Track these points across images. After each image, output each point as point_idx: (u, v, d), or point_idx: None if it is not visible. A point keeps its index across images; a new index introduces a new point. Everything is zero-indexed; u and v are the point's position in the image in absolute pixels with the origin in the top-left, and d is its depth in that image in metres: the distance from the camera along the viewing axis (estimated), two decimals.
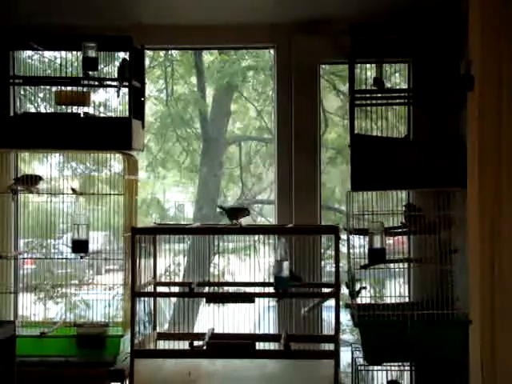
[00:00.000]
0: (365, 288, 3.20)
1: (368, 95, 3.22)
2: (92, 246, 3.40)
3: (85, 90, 3.38)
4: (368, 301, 3.26)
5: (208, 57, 5.79)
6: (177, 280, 4.41)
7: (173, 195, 6.21)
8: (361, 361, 3.20)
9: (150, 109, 5.75)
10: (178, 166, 5.93)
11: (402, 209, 3.26)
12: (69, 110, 3.39)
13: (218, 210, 3.43)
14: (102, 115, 3.62)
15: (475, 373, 2.96)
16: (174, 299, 4.41)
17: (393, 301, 3.33)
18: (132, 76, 3.29)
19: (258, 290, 3.31)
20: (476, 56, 2.93)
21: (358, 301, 3.19)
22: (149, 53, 5.23)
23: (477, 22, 2.92)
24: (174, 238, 3.56)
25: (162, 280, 3.70)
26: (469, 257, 2.99)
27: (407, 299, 3.51)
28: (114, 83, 3.42)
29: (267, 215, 5.51)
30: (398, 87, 3.59)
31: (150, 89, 5.77)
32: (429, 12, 3.24)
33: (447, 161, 3.06)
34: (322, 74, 5.22)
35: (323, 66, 4.01)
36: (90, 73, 3.32)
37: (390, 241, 3.53)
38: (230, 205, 3.41)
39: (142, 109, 3.46)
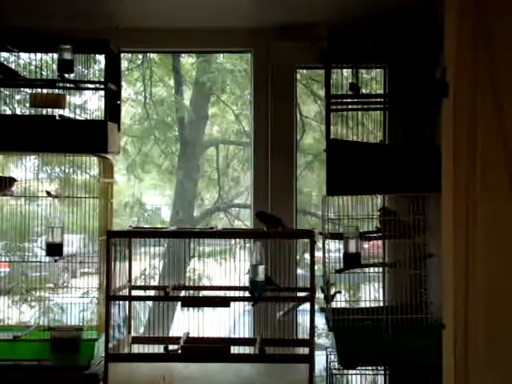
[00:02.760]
0: (339, 292, 3.21)
1: (344, 100, 3.23)
2: (68, 249, 3.38)
3: (60, 92, 3.37)
4: (343, 305, 3.27)
5: (187, 59, 5.79)
6: (153, 283, 4.39)
7: (150, 198, 6.20)
8: (336, 365, 3.21)
9: (128, 111, 5.74)
10: (157, 168, 5.92)
11: (377, 213, 3.27)
12: (45, 113, 3.38)
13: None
14: (78, 118, 3.59)
15: (448, 377, 2.98)
16: (149, 303, 4.39)
17: (368, 305, 3.35)
18: (108, 79, 3.28)
19: (233, 293, 3.30)
20: (451, 62, 2.95)
21: (333, 305, 3.20)
22: (127, 55, 5.23)
23: (452, 28, 2.94)
24: (150, 242, 3.56)
25: (138, 283, 3.69)
26: (443, 261, 3.01)
27: (382, 303, 3.52)
28: (91, 86, 3.42)
29: (244, 219, 5.51)
30: (374, 93, 3.62)
31: (128, 91, 5.75)
32: (405, 19, 3.26)
33: (422, 166, 3.07)
34: (300, 79, 5.25)
35: (302, 70, 4.02)
36: (66, 75, 3.30)
37: (365, 245, 3.55)
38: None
39: (118, 112, 3.45)
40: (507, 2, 2.92)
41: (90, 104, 3.71)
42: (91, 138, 3.21)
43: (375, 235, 3.28)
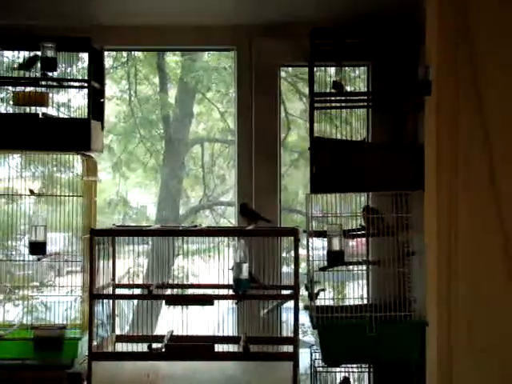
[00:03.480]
0: (323, 290, 3.21)
1: (327, 98, 3.23)
2: (53, 248, 3.36)
3: (44, 90, 3.35)
4: (327, 303, 3.27)
5: (172, 57, 5.78)
6: (139, 282, 4.38)
7: (136, 196, 6.18)
8: (320, 362, 3.22)
9: (113, 109, 5.72)
10: (143, 166, 5.91)
11: (361, 211, 3.27)
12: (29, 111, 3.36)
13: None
14: (64, 116, 3.58)
15: (432, 374, 3.00)
16: (135, 301, 4.38)
17: (353, 303, 3.35)
18: (91, 77, 3.27)
19: (218, 291, 3.30)
20: (433, 60, 2.96)
21: (318, 303, 3.20)
22: (112, 53, 5.21)
23: (434, 27, 2.96)
24: (135, 240, 3.54)
25: (125, 282, 3.68)
26: (426, 259, 3.02)
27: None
28: (74, 84, 3.40)
29: (230, 217, 5.51)
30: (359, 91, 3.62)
31: (113, 89, 5.73)
32: (387, 18, 3.27)
33: (405, 164, 3.07)
34: (286, 77, 5.26)
35: (287, 68, 4.02)
36: (49, 73, 3.29)
37: (352, 243, 3.55)
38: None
39: (102, 110, 3.44)
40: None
41: (74, 102, 3.69)
42: (74, 137, 3.20)
43: (359, 233, 3.28)
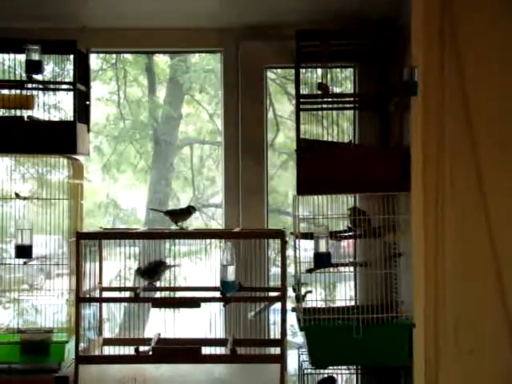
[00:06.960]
0: (310, 292, 3.20)
1: (313, 100, 3.22)
2: (41, 250, 3.35)
3: (29, 93, 3.34)
4: (314, 304, 3.26)
5: (161, 58, 5.76)
6: (128, 284, 4.36)
7: (126, 198, 6.15)
8: (307, 364, 3.21)
9: (103, 111, 5.70)
10: (133, 168, 5.89)
11: (348, 212, 3.26)
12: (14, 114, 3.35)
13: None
14: (52, 118, 3.56)
15: (419, 376, 2.99)
16: (124, 304, 4.37)
17: (342, 304, 3.34)
18: (77, 79, 3.25)
19: (207, 294, 3.28)
20: (419, 61, 2.96)
21: (308, 304, 3.19)
22: (101, 54, 5.19)
23: (419, 27, 2.96)
24: (125, 242, 3.54)
25: (114, 284, 3.68)
26: (413, 260, 3.02)
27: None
28: (64, 86, 3.39)
29: (220, 219, 5.50)
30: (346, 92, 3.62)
31: (103, 91, 5.71)
32: (373, 19, 3.27)
33: (392, 165, 3.07)
34: (275, 78, 5.25)
35: (277, 70, 4.01)
36: (35, 76, 3.27)
37: (344, 244, 3.55)
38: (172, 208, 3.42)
39: (88, 112, 3.43)
40: (472, 1, 2.95)
41: (64, 103, 3.67)
42: (60, 139, 3.19)
43: (346, 234, 3.27)
